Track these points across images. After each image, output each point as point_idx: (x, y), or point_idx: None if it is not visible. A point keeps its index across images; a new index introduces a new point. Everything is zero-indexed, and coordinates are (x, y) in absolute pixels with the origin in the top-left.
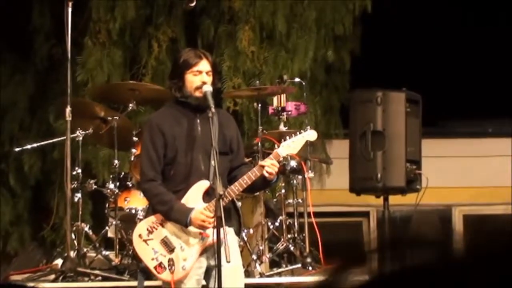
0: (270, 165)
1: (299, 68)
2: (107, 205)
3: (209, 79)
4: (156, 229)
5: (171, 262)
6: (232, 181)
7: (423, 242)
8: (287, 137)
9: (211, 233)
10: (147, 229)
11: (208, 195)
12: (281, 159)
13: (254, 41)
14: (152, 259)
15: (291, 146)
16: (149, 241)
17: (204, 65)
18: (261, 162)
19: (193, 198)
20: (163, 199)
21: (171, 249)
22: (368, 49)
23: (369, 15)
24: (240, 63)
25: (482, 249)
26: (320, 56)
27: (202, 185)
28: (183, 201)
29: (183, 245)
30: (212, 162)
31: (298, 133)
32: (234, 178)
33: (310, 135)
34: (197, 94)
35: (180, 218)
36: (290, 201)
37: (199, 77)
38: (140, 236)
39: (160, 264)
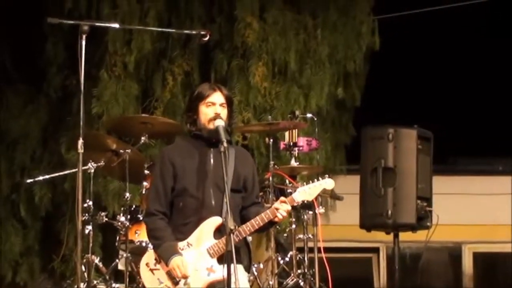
0: (285, 210)
1: (313, 104)
2: (117, 238)
3: (223, 111)
4: None
5: None
6: (242, 220)
7: None
8: (304, 183)
9: (218, 269)
10: (155, 259)
11: (220, 232)
12: (295, 204)
13: (267, 77)
14: None
15: (307, 192)
16: (155, 271)
17: (218, 97)
18: (275, 205)
19: (204, 233)
20: (155, 234)
21: (176, 282)
22: (377, 86)
23: (378, 52)
24: (251, 97)
25: None
26: (332, 92)
27: (214, 222)
28: (193, 235)
29: (188, 279)
30: (224, 198)
31: (315, 180)
32: (244, 217)
33: (328, 183)
34: (210, 126)
35: (164, 256)
36: (301, 236)
37: (212, 109)
38: (147, 264)
39: None
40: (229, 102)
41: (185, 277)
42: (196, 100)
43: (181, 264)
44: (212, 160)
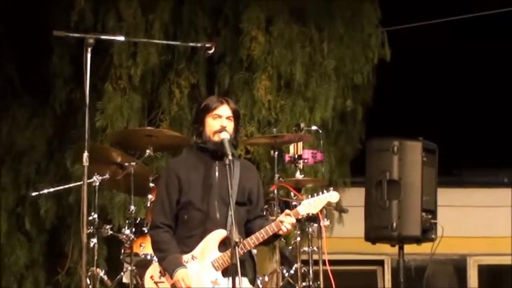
0: (289, 223)
1: (318, 117)
2: (122, 251)
3: (229, 124)
4: None
5: None
6: (246, 233)
7: None
8: (309, 196)
9: (223, 282)
10: (160, 272)
11: (224, 244)
12: (299, 217)
13: (271, 90)
14: None
15: (312, 205)
16: (160, 284)
17: (225, 110)
18: (280, 218)
19: (209, 246)
20: (160, 247)
21: None
22: (382, 98)
23: (383, 64)
24: (255, 111)
25: None
26: (338, 105)
27: (218, 234)
28: (198, 248)
29: None
30: (229, 211)
31: (320, 192)
32: (248, 230)
33: (332, 196)
34: (216, 138)
35: (168, 269)
36: (305, 249)
37: (218, 121)
38: (151, 277)
39: None
40: (236, 116)
41: None
42: (202, 112)
43: (185, 276)
44: (217, 173)
